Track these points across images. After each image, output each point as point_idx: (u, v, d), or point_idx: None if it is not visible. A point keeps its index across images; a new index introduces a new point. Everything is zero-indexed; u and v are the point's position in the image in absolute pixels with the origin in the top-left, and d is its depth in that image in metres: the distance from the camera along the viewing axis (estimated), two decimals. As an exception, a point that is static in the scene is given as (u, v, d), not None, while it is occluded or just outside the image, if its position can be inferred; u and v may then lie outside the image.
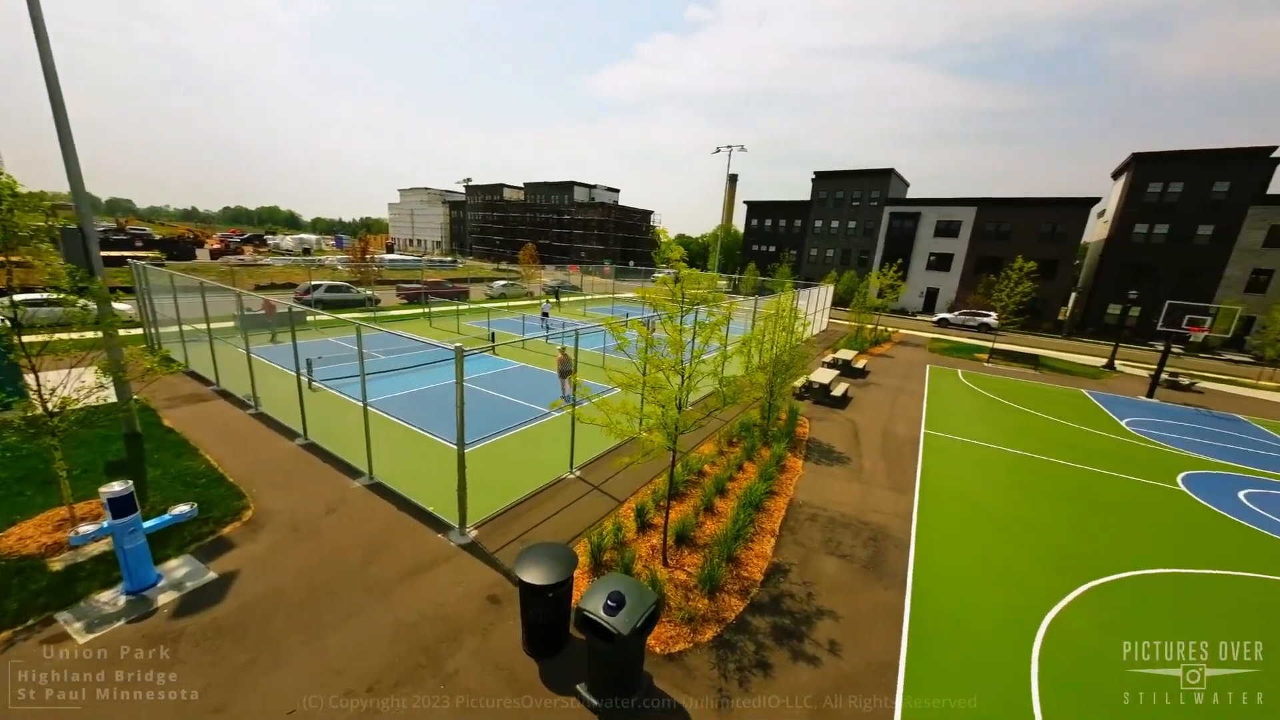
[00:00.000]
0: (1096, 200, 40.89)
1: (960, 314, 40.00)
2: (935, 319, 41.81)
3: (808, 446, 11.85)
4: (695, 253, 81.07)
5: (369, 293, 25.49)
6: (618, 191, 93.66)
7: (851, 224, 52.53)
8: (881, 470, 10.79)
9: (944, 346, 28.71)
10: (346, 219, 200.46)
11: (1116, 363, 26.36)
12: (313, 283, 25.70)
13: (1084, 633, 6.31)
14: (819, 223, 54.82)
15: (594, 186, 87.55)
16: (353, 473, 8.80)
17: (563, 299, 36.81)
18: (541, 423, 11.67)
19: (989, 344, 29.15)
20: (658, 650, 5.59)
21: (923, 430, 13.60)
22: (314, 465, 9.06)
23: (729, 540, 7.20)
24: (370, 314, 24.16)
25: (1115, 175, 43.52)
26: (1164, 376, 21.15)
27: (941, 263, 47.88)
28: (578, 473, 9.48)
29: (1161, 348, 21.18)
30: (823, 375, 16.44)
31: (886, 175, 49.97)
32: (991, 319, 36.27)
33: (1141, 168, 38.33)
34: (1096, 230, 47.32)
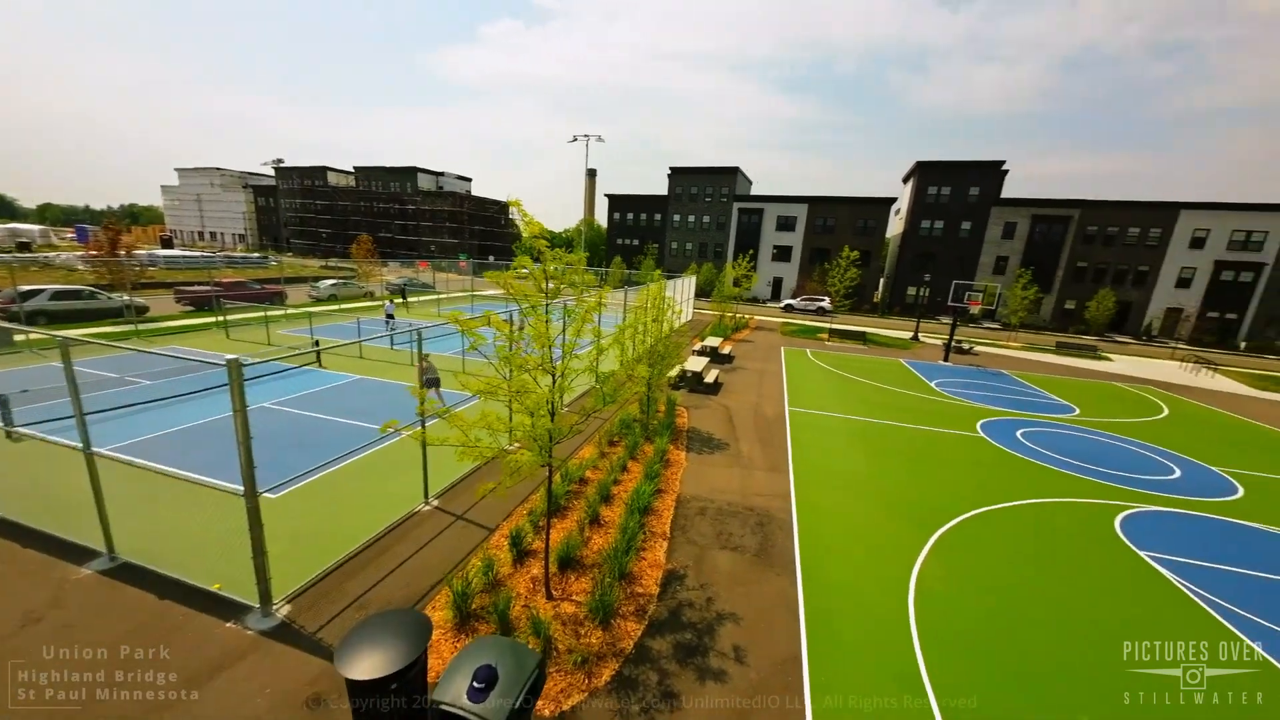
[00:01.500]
0: (894, 200, 49.13)
1: (802, 300, 45.01)
2: (782, 305, 46.49)
3: (688, 437, 11.70)
4: (559, 245, 79.29)
5: (127, 299, 19.44)
6: (470, 181, 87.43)
7: (706, 218, 55.90)
8: (758, 453, 11.04)
9: (793, 329, 31.82)
10: (99, 206, 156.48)
11: (920, 335, 31.80)
12: (27, 288, 18.84)
13: (941, 583, 6.85)
14: (677, 217, 57.32)
15: (441, 174, 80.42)
16: (80, 555, 6.12)
17: (411, 299, 32.80)
18: (386, 445, 9.68)
19: (827, 325, 33.09)
20: (547, 713, 4.59)
21: (787, 408, 14.46)
22: (7, 554, 6.13)
23: (619, 555, 6.45)
24: (129, 326, 18.48)
25: (905, 180, 52.76)
26: (953, 344, 25.93)
27: (783, 254, 53.44)
28: (435, 503, 7.92)
29: (949, 321, 25.94)
30: (695, 363, 16.69)
31: (733, 173, 54.05)
32: (826, 303, 41.47)
33: (923, 174, 46.95)
34: (895, 226, 57.06)
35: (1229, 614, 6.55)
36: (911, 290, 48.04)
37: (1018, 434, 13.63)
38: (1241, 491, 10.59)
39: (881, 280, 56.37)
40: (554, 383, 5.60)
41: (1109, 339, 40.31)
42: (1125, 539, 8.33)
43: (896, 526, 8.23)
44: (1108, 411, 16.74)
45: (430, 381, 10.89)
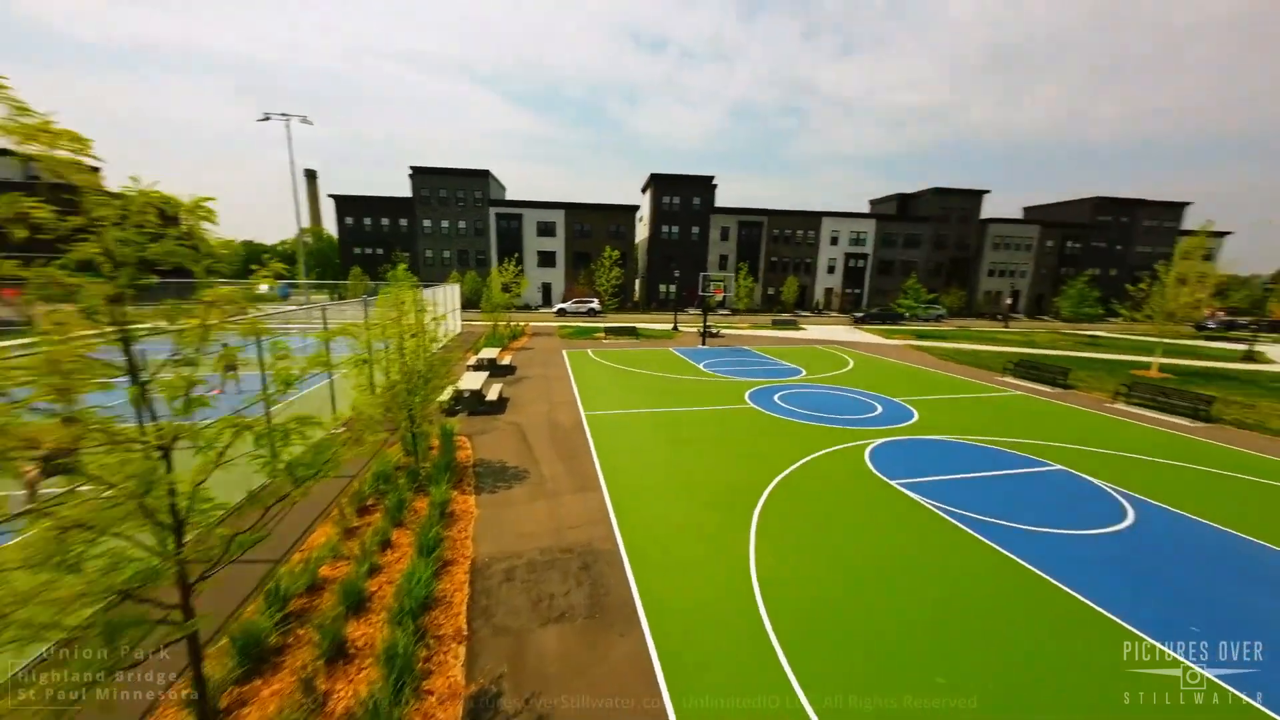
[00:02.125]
0: (637, 208, 54.19)
1: (573, 303, 45.52)
2: (555, 310, 46.18)
3: (476, 473, 9.33)
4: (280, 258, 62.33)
5: None
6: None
7: (462, 223, 51.55)
8: (563, 473, 9.47)
9: (570, 332, 31.43)
10: None
11: (679, 325, 35.40)
12: None
13: (776, 570, 6.52)
14: (428, 222, 51.29)
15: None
16: None
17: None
18: None
19: (602, 324, 33.88)
20: None
21: (583, 414, 13.32)
22: None
23: (382, 714, 3.96)
24: None
25: (644, 190, 58.85)
26: (706, 329, 29.46)
27: (548, 259, 53.32)
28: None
29: (698, 311, 29.37)
30: (472, 380, 14.09)
31: (484, 176, 51.17)
32: (596, 304, 42.87)
33: (658, 185, 53.02)
34: (641, 231, 63.30)
35: (960, 517, 8.03)
36: (664, 287, 53.89)
37: (775, 399, 15.58)
38: (917, 415, 14.11)
39: (638, 281, 61.83)
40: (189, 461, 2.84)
41: (799, 314, 52.96)
42: (878, 473, 9.78)
43: (718, 520, 7.78)
44: (821, 369, 21.00)
45: (33, 485, 5.72)
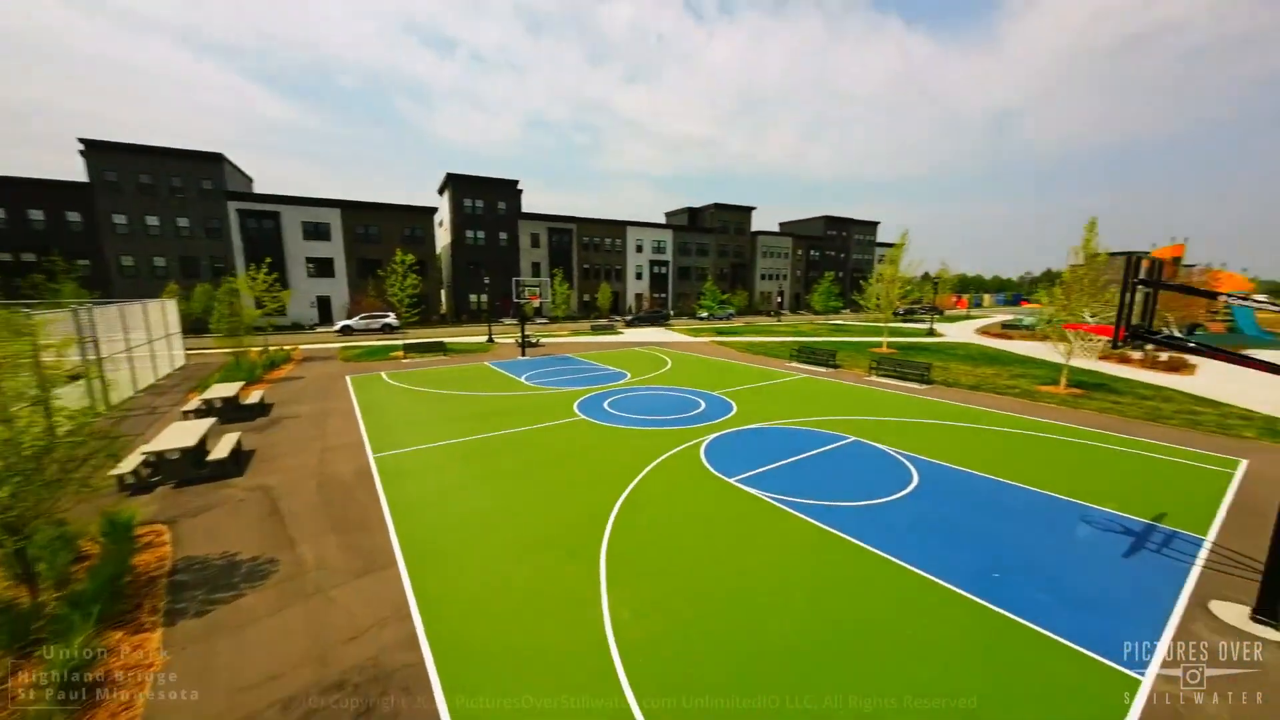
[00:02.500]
0: (435, 210, 48.73)
1: (362, 319, 38.23)
2: (338, 328, 38.13)
3: (174, 586, 5.94)
4: None
5: None
6: None
7: (183, 220, 38.86)
8: (335, 551, 6.73)
9: (358, 353, 25.90)
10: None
11: (494, 337, 32.45)
12: None
13: (636, 629, 5.31)
14: (122, 218, 37.22)
15: None
16: None
17: None
18: None
19: (400, 341, 28.89)
20: None
21: (371, 457, 10.28)
22: None
23: None
24: None
25: (441, 191, 53.37)
26: (525, 339, 27.45)
27: (324, 268, 44.05)
28: None
29: (514, 320, 27.23)
30: (183, 434, 9.65)
31: (217, 161, 39.55)
32: (392, 318, 36.73)
33: (455, 186, 48.53)
34: (444, 236, 57.36)
35: (793, 505, 8.06)
36: (474, 297, 49.58)
37: (606, 406, 14.71)
38: (735, 406, 14.79)
39: (443, 290, 55.80)
40: None
41: (613, 319, 54.53)
42: (717, 472, 9.49)
43: (558, 572, 6.26)
44: (643, 370, 21.11)
45: None
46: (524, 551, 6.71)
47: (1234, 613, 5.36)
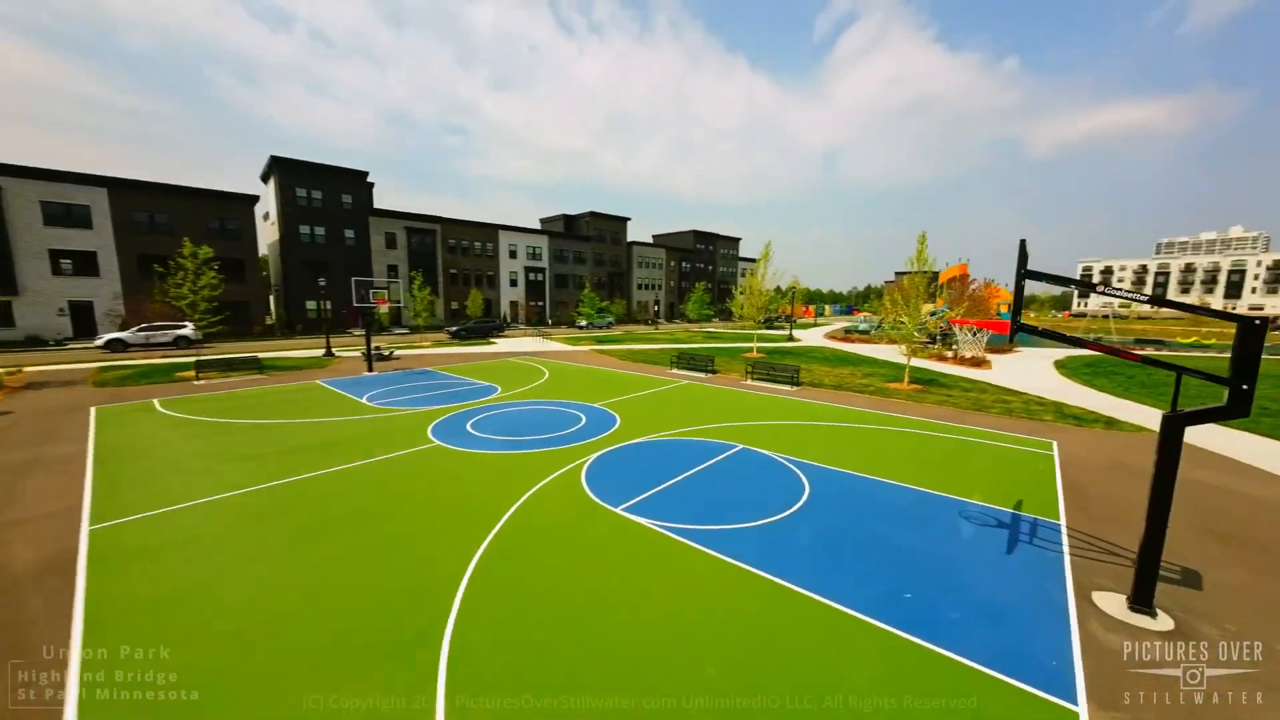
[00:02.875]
0: (256, 198, 40.35)
1: (141, 330, 29.59)
2: (103, 342, 28.97)
3: None
4: None
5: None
6: None
7: None
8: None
9: (122, 375, 19.49)
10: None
11: (335, 350, 27.25)
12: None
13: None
14: None
15: None
16: None
17: None
18: None
19: (195, 357, 22.60)
20: None
21: (85, 531, 6.87)
22: None
23: None
24: None
25: (265, 179, 44.57)
26: (373, 350, 23.30)
27: (83, 264, 33.54)
28: None
29: (362, 331, 23.01)
30: None
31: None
32: (190, 329, 28.99)
33: (283, 173, 40.80)
34: (271, 232, 47.94)
35: (682, 532, 6.94)
36: (312, 304, 41.98)
37: (469, 427, 12.44)
38: (619, 419, 13.55)
39: (271, 297, 46.58)
40: None
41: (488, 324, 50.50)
42: (600, 500, 8.05)
43: (374, 700, 4.23)
44: (518, 383, 18.95)
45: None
46: (318, 665, 4.51)
47: (1114, 604, 5.41)
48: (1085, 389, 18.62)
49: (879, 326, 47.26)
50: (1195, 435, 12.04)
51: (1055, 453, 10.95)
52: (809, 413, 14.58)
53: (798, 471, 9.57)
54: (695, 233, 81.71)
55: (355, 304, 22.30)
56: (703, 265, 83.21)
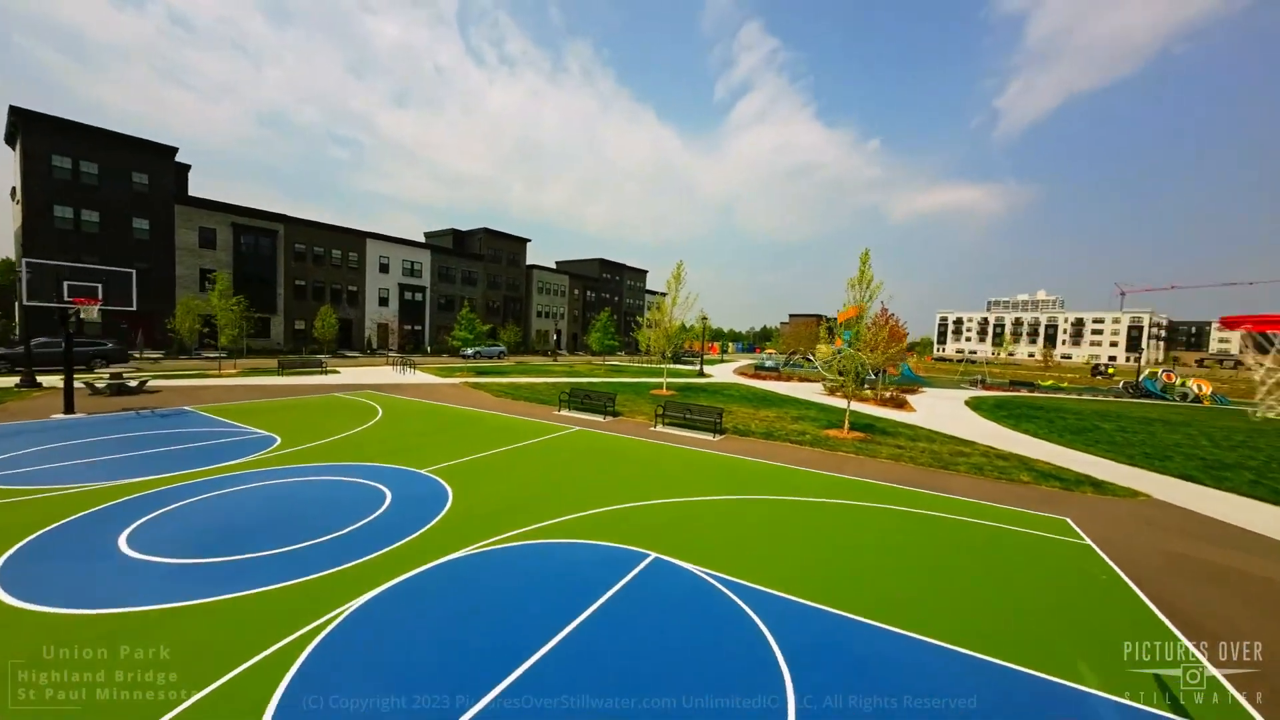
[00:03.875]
0: (-17, 163, 28.57)
1: None
2: None
3: None
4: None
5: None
6: None
7: None
8: None
9: None
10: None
11: (43, 378, 18.04)
12: None
13: None
14: None
15: None
16: None
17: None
18: None
19: None
20: None
21: None
22: None
23: None
24: None
25: (9, 140, 32.48)
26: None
27: None
28: None
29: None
30: None
31: None
32: None
33: (34, 132, 29.69)
34: (15, 214, 34.94)
35: None
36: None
37: (122, 539, 6.16)
38: (450, 499, 8.08)
39: (17, 304, 33.43)
40: None
41: (341, 355, 41.24)
42: None
43: None
44: (320, 432, 12.51)
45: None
46: None
47: None
48: (1019, 434, 16.89)
49: (788, 363, 46.75)
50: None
51: (1088, 540, 7.66)
52: (744, 477, 10.33)
53: (753, 616, 5.00)
54: (601, 261, 78.54)
55: (69, 300, 14.24)
56: (609, 295, 79.89)
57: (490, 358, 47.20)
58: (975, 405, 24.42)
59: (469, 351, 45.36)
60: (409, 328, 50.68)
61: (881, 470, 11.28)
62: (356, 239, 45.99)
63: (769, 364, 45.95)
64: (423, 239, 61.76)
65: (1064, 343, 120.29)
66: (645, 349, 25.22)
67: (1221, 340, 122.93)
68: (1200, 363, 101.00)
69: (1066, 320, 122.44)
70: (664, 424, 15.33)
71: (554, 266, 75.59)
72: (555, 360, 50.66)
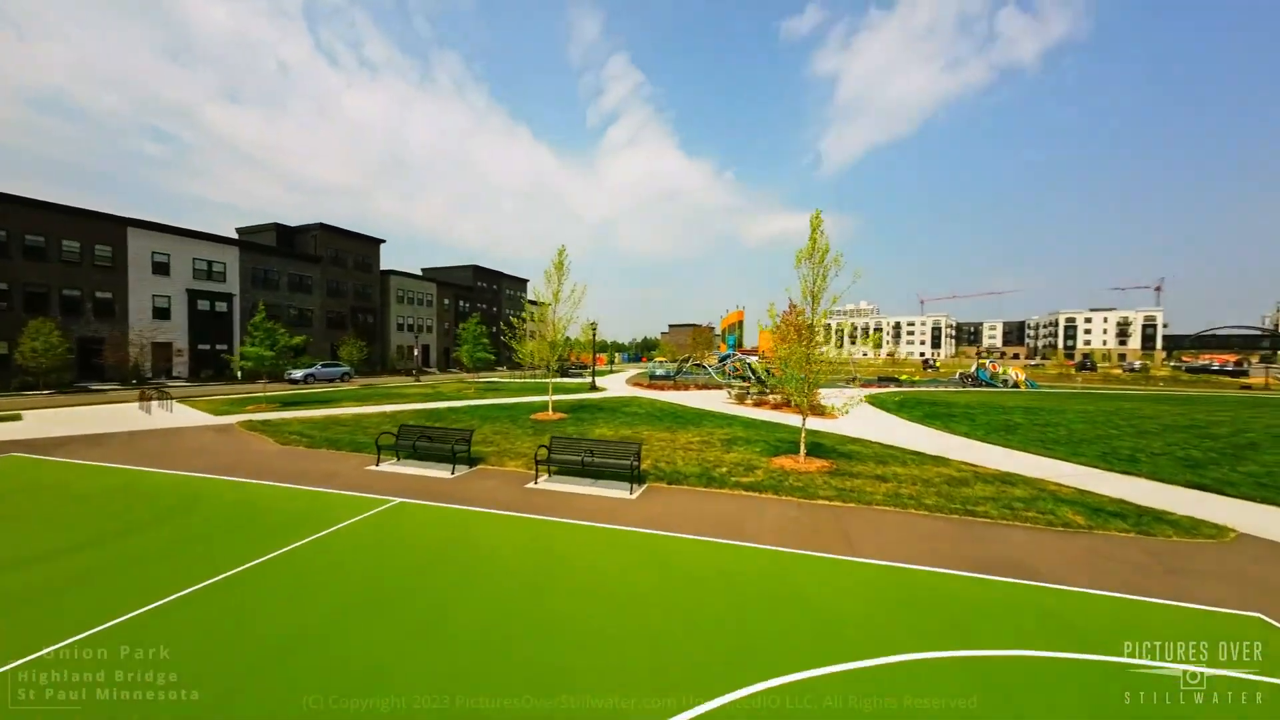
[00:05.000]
0: None
1: None
2: None
3: None
4: None
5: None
6: None
7: None
8: None
9: None
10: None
11: None
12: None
13: None
14: None
15: None
16: None
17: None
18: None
19: None
20: None
21: None
22: None
23: None
24: None
25: None
26: None
27: None
28: None
29: None
30: None
31: None
32: None
33: None
34: None
35: None
36: None
37: None
38: None
39: None
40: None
41: (83, 388, 28.64)
42: None
43: None
44: None
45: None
46: None
47: None
48: (967, 440, 14.69)
49: (680, 371, 43.89)
50: None
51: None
52: (710, 595, 5.54)
53: None
54: (476, 268, 69.93)
55: None
56: (485, 305, 71.35)
57: (330, 380, 37.20)
58: (880, 404, 22.93)
59: (297, 374, 34.99)
60: (211, 348, 38.20)
61: (901, 534, 7.26)
62: (111, 227, 33.11)
63: (660, 372, 42.58)
64: (234, 233, 48.19)
65: (888, 342, 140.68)
66: (528, 363, 19.60)
67: (990, 336, 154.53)
68: (978, 354, 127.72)
69: (888, 324, 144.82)
70: (550, 475, 10.01)
71: (419, 274, 65.27)
72: (418, 380, 41.97)
